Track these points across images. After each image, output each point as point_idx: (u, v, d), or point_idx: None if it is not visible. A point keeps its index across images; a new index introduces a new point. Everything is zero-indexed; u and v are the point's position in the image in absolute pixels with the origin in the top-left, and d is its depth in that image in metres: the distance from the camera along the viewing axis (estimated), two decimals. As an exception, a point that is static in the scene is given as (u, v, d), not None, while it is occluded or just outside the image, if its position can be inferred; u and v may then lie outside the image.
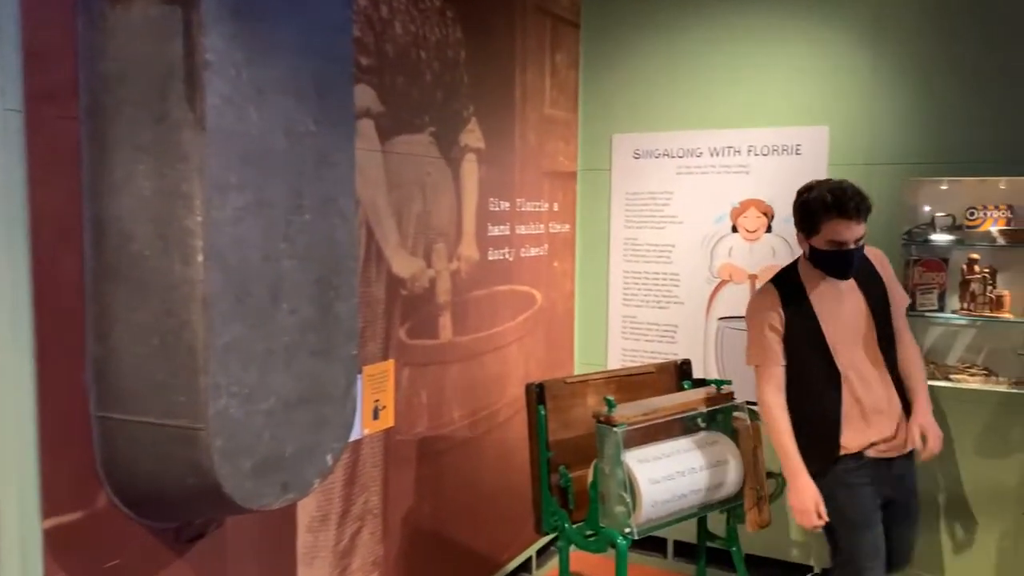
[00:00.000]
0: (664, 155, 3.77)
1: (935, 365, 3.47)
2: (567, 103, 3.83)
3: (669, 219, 3.78)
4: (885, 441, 2.55)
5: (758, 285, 3.58)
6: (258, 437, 1.75)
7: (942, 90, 3.22)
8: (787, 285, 2.62)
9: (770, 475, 2.84)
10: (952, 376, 3.37)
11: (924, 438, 2.55)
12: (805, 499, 2.51)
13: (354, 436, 2.47)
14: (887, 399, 2.57)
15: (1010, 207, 3.39)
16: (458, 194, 3.00)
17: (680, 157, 3.73)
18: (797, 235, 2.64)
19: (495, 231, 3.25)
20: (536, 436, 2.66)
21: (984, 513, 3.22)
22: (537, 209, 3.59)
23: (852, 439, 2.54)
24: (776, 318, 2.58)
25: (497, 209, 3.27)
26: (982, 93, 3.15)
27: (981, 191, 3.47)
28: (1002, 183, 3.40)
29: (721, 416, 2.85)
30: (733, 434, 2.84)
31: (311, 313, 1.85)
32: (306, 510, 2.35)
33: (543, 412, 2.66)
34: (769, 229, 3.57)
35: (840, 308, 2.56)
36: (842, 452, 2.54)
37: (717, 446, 2.79)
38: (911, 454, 2.61)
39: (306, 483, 1.91)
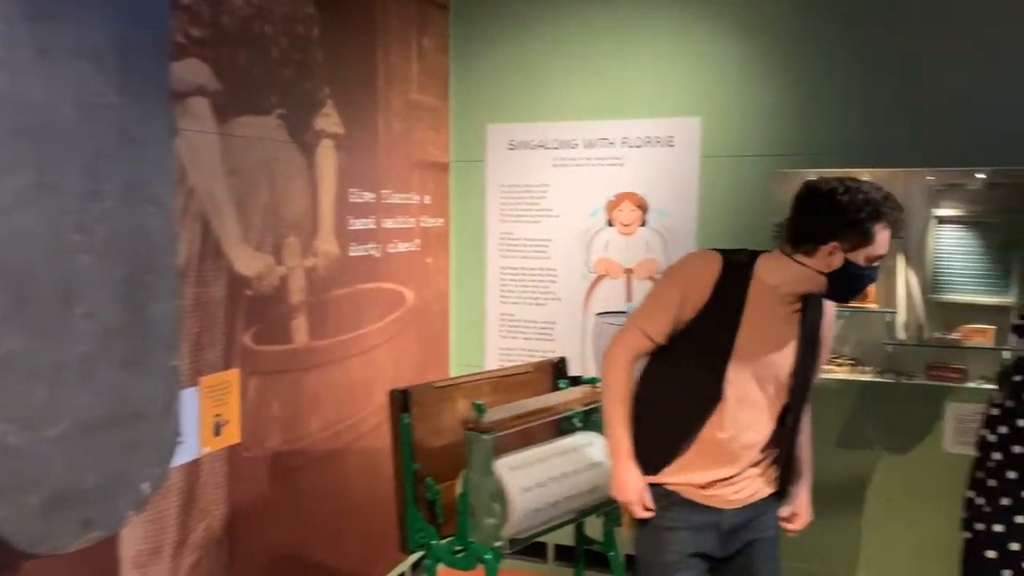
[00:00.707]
0: (540, 146, 3.63)
1: (805, 356, 3.50)
2: (437, 89, 3.63)
3: (545, 213, 3.65)
4: (730, 485, 1.99)
5: (635, 281, 3.51)
6: (47, 468, 1.46)
7: (810, 83, 3.22)
8: (734, 271, 1.93)
9: (647, 475, 2.74)
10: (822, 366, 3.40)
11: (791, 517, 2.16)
12: (627, 489, 1.98)
13: (190, 456, 2.19)
14: (762, 456, 2.02)
15: (873, 199, 3.45)
16: (313, 183, 2.75)
17: (555, 148, 3.61)
18: (795, 243, 1.89)
19: (358, 224, 3.01)
20: (400, 447, 2.45)
21: (851, 500, 3.25)
22: (406, 201, 3.38)
23: (682, 472, 1.98)
24: (697, 296, 1.92)
25: (360, 200, 3.03)
26: (847, 87, 3.17)
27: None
28: (866, 175, 3.45)
29: (597, 416, 2.73)
30: (609, 434, 2.72)
31: (116, 317, 1.58)
32: (131, 543, 2.04)
33: (407, 420, 2.45)
34: (644, 223, 3.50)
35: (768, 337, 1.92)
36: (661, 481, 2.00)
37: (593, 447, 2.66)
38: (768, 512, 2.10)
39: (116, 517, 1.63)
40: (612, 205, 3.54)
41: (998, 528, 2.63)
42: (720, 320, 1.92)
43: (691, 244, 3.42)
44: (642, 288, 3.50)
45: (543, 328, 3.70)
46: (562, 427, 2.78)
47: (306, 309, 2.72)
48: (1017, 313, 2.67)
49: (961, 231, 3.30)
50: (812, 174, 3.53)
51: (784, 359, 1.95)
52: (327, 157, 2.82)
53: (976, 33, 3.00)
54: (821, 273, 1.85)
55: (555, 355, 3.12)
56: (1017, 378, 2.64)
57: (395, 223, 3.28)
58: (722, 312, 1.91)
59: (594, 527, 2.87)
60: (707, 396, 1.93)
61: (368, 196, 3.08)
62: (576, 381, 2.92)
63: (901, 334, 3.41)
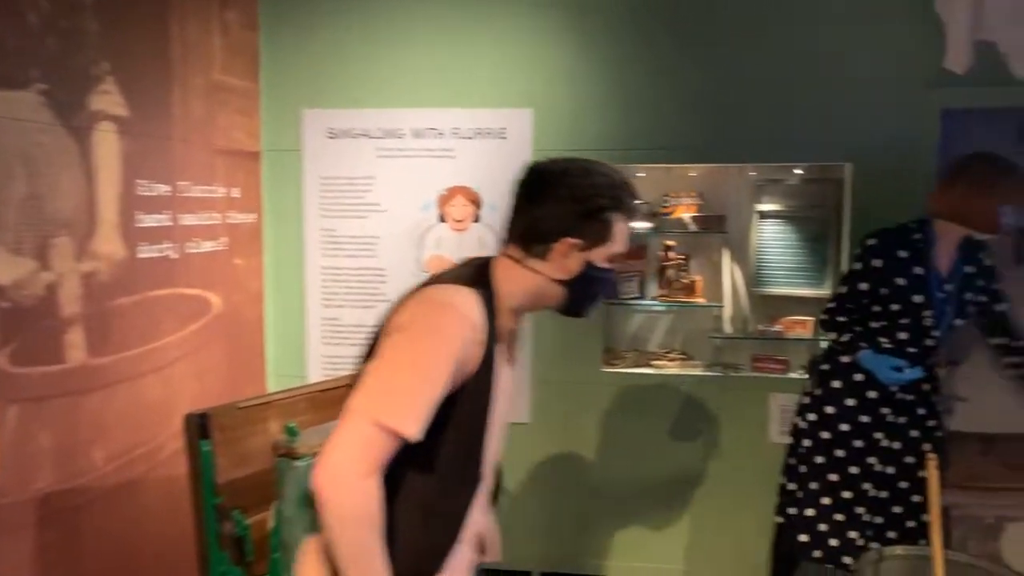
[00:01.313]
0: (363, 135, 3.36)
1: (639, 352, 3.47)
2: (245, 69, 3.25)
3: (371, 207, 3.38)
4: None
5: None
6: None
7: (640, 78, 3.18)
8: (487, 305, 1.42)
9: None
10: (653, 363, 3.39)
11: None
12: None
13: (-81, 512, 1.75)
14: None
15: (700, 194, 3.48)
16: (89, 173, 2.33)
17: (380, 138, 3.35)
18: (525, 244, 1.47)
19: (149, 221, 2.61)
20: (198, 479, 2.11)
21: (679, 494, 3.26)
22: (210, 195, 2.99)
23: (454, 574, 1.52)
24: (470, 358, 1.37)
25: (151, 194, 2.62)
26: (676, 83, 3.16)
27: (674, 178, 3.54)
28: (692, 171, 3.48)
29: (428, 429, 2.51)
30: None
31: None
32: None
33: (207, 448, 2.12)
34: (477, 219, 3.32)
35: (502, 383, 1.50)
36: None
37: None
38: None
39: None
40: (444, 199, 3.34)
41: (809, 512, 2.70)
42: (480, 383, 1.39)
43: (525, 240, 3.28)
44: (475, 287, 3.32)
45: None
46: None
47: (83, 321, 2.30)
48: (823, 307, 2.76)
49: (781, 225, 3.40)
50: (644, 169, 3.54)
51: (508, 396, 1.56)
52: (107, 143, 2.40)
53: (795, 33, 3.08)
54: (556, 282, 1.46)
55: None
56: (824, 367, 2.72)
57: (196, 219, 2.89)
58: (484, 370, 1.39)
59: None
60: (469, 482, 1.47)
61: (162, 189, 2.68)
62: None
63: (728, 327, 3.46)
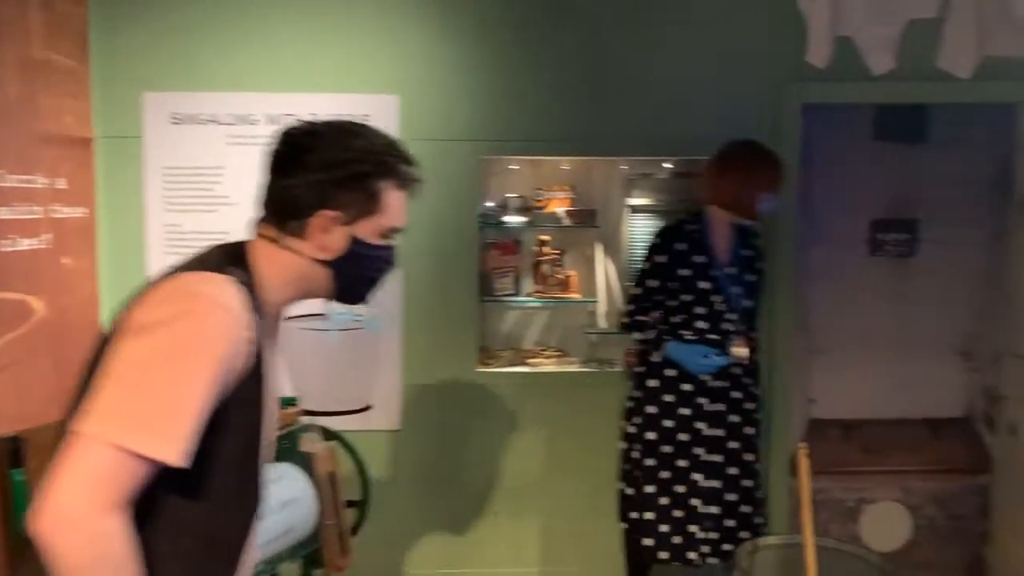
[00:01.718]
0: (211, 121, 3.06)
1: (514, 351, 3.37)
2: (72, 47, 2.88)
3: (222, 200, 3.09)
4: None
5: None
6: None
7: (513, 65, 3.07)
8: (253, 303, 1.18)
9: (350, 504, 2.38)
10: (529, 361, 3.30)
11: None
12: None
13: None
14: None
15: (572, 188, 3.42)
16: None
17: (231, 124, 3.06)
18: (279, 220, 1.25)
19: (-52, 215, 2.24)
20: (8, 512, 1.81)
21: (562, 492, 3.19)
22: (29, 185, 2.62)
23: None
24: (237, 358, 1.13)
25: (-50, 184, 2.25)
26: (548, 73, 3.07)
27: (548, 172, 3.46)
28: (564, 163, 3.41)
29: (287, 442, 2.30)
30: (304, 462, 2.31)
31: None
32: None
33: (20, 477, 1.82)
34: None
35: (272, 384, 1.26)
36: None
37: (285, 482, 2.23)
38: None
39: None
40: (303, 192, 3.09)
41: (649, 515, 2.72)
42: (250, 389, 1.17)
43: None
44: (340, 286, 3.11)
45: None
46: (246, 458, 2.30)
47: None
48: (625, 310, 2.81)
49: (652, 220, 3.38)
50: (517, 161, 3.44)
51: (277, 402, 1.35)
52: None
53: (664, 28, 3.06)
54: (320, 263, 1.25)
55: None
56: (639, 368, 2.76)
57: (12, 213, 2.52)
58: (253, 375, 1.17)
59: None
60: (248, 504, 1.24)
61: (-35, 177, 2.31)
62: (263, 401, 2.46)
63: (603, 323, 3.42)
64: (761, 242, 2.80)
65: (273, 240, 1.24)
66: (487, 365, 3.25)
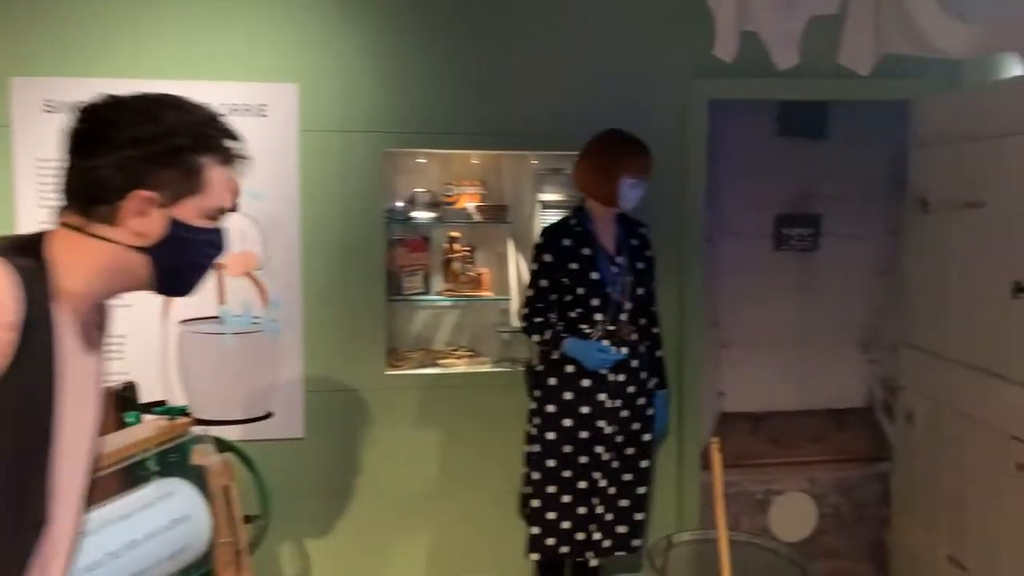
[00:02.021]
0: (90, 110, 2.82)
1: (425, 352, 3.26)
2: (-76, 24, 2.60)
3: (104, 195, 2.85)
4: None
5: (228, 278, 2.92)
6: None
7: (419, 57, 2.96)
8: (32, 285, 1.02)
9: (248, 519, 2.22)
10: (440, 361, 3.19)
11: None
12: None
13: None
14: None
15: (482, 182, 3.33)
16: None
17: (112, 113, 2.83)
18: (84, 205, 1.08)
19: None
20: None
21: (475, 495, 3.10)
22: None
23: None
24: (21, 352, 0.99)
25: None
26: (456, 64, 2.98)
27: (457, 166, 3.36)
28: (474, 158, 3.32)
29: (177, 455, 2.12)
30: (196, 476, 2.13)
31: None
32: None
33: None
34: (234, 208, 2.91)
35: (75, 384, 1.09)
36: None
37: (174, 499, 2.05)
38: None
39: None
40: (194, 187, 2.89)
41: (551, 515, 2.70)
42: (15, 383, 0.99)
43: (295, 232, 2.95)
44: (238, 286, 2.92)
45: (109, 343, 2.91)
46: (133, 478, 2.10)
47: None
48: (520, 313, 2.80)
49: (564, 215, 3.32)
50: (424, 155, 3.33)
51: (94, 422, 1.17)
52: None
53: (572, 21, 3.02)
54: (137, 250, 1.10)
55: (122, 379, 2.41)
56: (539, 368, 2.75)
57: None
58: (22, 367, 1.00)
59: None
60: (23, 528, 1.05)
61: None
62: (148, 410, 2.27)
63: (515, 321, 3.34)
64: (646, 231, 2.81)
65: (78, 229, 1.08)
66: (396, 367, 3.12)
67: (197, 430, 2.31)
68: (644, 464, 2.80)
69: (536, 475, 2.71)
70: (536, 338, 2.73)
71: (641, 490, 2.80)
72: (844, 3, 2.67)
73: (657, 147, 2.98)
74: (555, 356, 2.69)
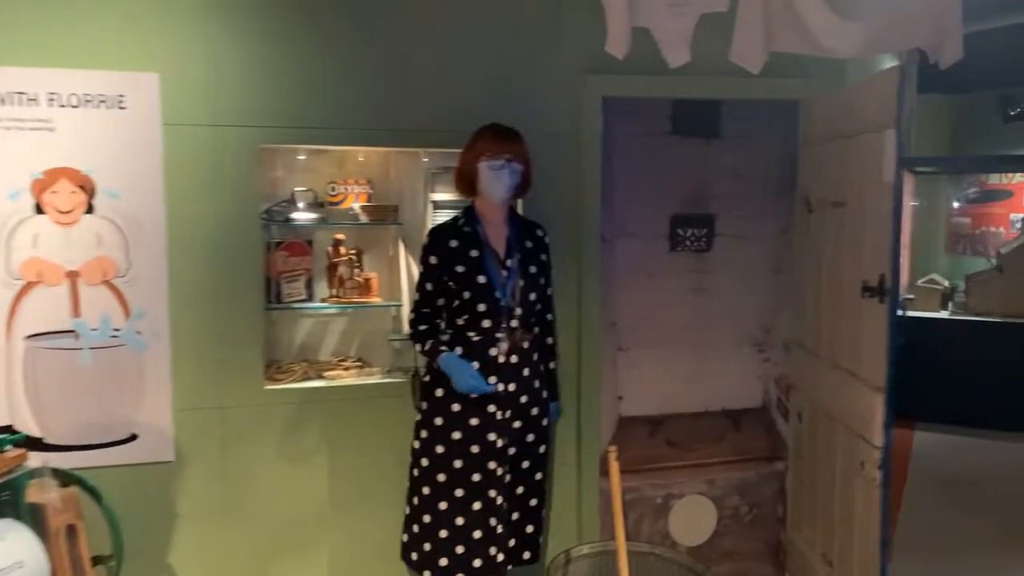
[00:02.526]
0: (-85, 98, 2.49)
1: (308, 363, 3.04)
2: None
3: (-67, 195, 2.53)
4: None
5: (84, 287, 2.63)
6: None
7: (296, 44, 2.75)
8: None
9: (96, 561, 1.97)
10: (326, 373, 2.99)
11: None
12: None
13: None
14: None
15: (370, 181, 3.14)
16: None
17: (-58, 102, 2.50)
18: None
19: None
20: None
21: (367, 514, 2.92)
22: None
23: None
24: None
25: None
26: (338, 54, 2.78)
27: (343, 164, 3.17)
28: (360, 155, 3.13)
29: (7, 493, 1.85)
30: (32, 515, 1.87)
31: None
32: None
33: None
34: (90, 209, 2.64)
35: None
36: None
37: (4, 543, 1.79)
38: None
39: None
40: (41, 185, 2.59)
41: (444, 534, 2.54)
42: None
43: (160, 235, 2.69)
44: (95, 296, 2.64)
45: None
46: (-48, 518, 1.83)
47: None
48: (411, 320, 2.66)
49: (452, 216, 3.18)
50: (305, 152, 3.11)
51: None
52: None
53: (462, 15, 2.87)
54: None
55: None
56: (426, 378, 2.61)
57: None
58: None
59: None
60: None
61: None
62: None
63: (407, 329, 3.17)
64: (543, 233, 2.68)
65: None
66: (277, 381, 2.90)
67: (41, 459, 2.05)
68: (539, 477, 2.69)
69: (426, 490, 2.55)
70: (418, 347, 2.58)
71: (533, 502, 2.68)
72: (734, 1, 2.65)
73: (551, 146, 2.89)
74: (437, 366, 2.54)
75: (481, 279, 2.51)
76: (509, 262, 2.56)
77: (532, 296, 2.60)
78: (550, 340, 2.74)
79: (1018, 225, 8.04)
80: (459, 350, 2.52)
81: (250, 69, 2.70)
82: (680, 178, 3.18)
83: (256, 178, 2.77)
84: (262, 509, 2.83)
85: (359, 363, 3.09)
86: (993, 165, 7.65)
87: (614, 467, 2.42)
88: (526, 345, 2.58)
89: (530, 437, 2.64)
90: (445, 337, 2.56)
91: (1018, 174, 8.19)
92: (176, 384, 2.72)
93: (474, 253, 2.53)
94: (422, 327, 2.57)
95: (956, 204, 8.02)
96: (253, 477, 2.82)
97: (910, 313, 6.34)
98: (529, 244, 2.63)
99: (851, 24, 2.66)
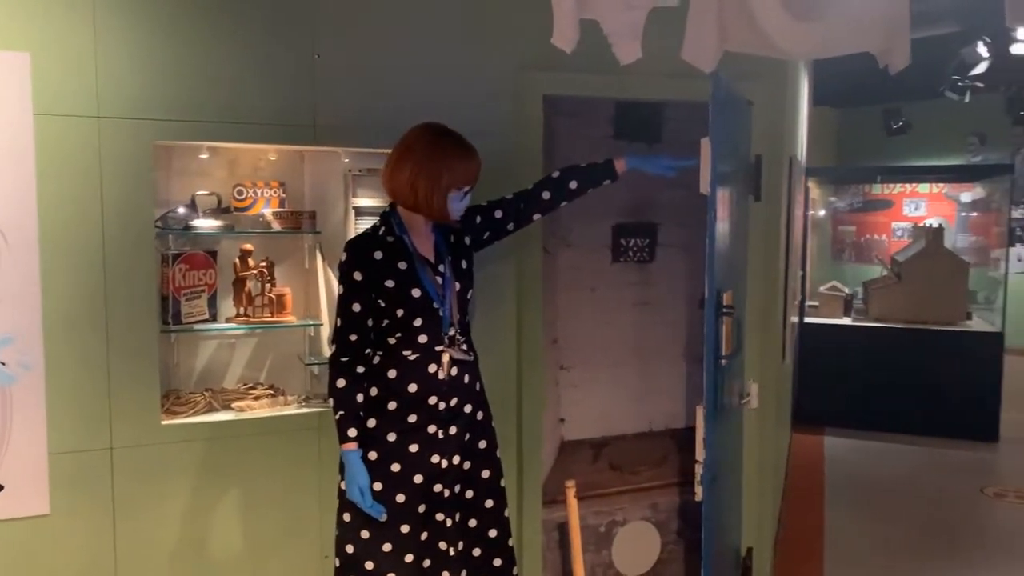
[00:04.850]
0: None
1: (212, 392, 2.65)
2: None
3: None
4: None
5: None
6: None
7: (199, 27, 2.38)
8: None
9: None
10: (234, 404, 2.61)
11: None
12: None
13: None
14: None
15: (283, 184, 2.79)
16: None
17: None
18: None
19: None
20: None
21: (284, 566, 2.57)
22: None
23: None
24: None
25: None
26: (247, 40, 2.44)
27: (252, 164, 2.80)
28: (272, 154, 2.77)
29: None
30: None
31: None
32: None
33: None
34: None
35: None
36: None
37: None
38: None
39: None
40: None
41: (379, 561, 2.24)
42: None
43: (31, 246, 2.26)
44: (-57, 320, 2.18)
45: None
46: None
47: None
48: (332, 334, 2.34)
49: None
50: (207, 150, 2.71)
51: None
52: None
53: (393, 8, 2.59)
54: None
55: None
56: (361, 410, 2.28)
57: None
58: None
59: None
60: None
61: None
62: None
63: (328, 350, 2.83)
64: (467, 238, 2.37)
65: None
66: (176, 414, 2.51)
67: None
68: (490, 504, 2.40)
69: (365, 534, 2.22)
70: (341, 383, 2.21)
71: (493, 533, 2.39)
72: (686, -3, 2.49)
73: (488, 147, 2.61)
74: (373, 393, 2.23)
75: (416, 292, 2.23)
76: (442, 267, 2.28)
77: (469, 296, 2.34)
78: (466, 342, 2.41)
79: (899, 233, 8.45)
80: (374, 437, 2.22)
81: (144, 51, 2.32)
82: (623, 186, 2.98)
83: (150, 180, 2.38)
84: (163, 566, 2.43)
85: (271, 391, 2.72)
86: (875, 176, 7.99)
87: (573, 504, 2.19)
88: (467, 357, 2.30)
89: (482, 444, 2.36)
90: (379, 355, 2.24)
91: (899, 185, 8.62)
92: (52, 423, 2.29)
93: (403, 265, 2.24)
94: (344, 359, 2.22)
95: (841, 211, 8.34)
96: (151, 528, 2.41)
97: (815, 320, 6.48)
98: (453, 238, 2.35)
99: (805, 25, 2.56)
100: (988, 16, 5.53)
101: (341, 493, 2.27)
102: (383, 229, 2.28)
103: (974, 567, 3.73)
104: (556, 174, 2.45)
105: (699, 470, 2.35)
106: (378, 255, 2.23)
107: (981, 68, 6.33)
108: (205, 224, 2.65)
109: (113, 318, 2.35)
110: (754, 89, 2.91)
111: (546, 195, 2.43)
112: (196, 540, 2.48)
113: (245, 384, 2.75)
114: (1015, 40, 5.80)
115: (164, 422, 2.44)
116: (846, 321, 6.47)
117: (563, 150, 2.86)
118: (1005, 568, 3.73)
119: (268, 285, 2.75)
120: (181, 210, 2.65)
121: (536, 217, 2.47)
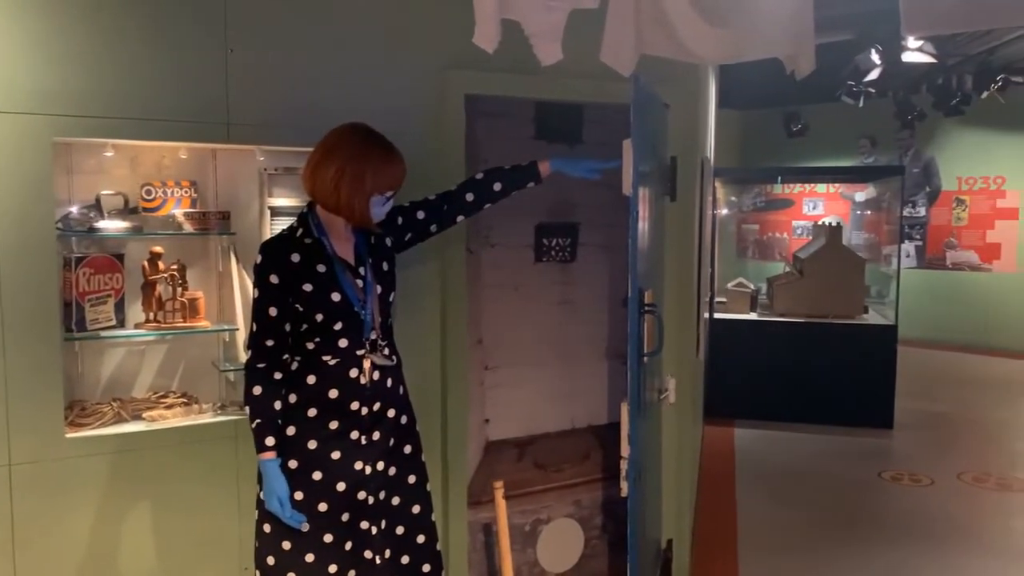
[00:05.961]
0: None
1: (121, 402, 2.52)
2: None
3: None
4: None
5: None
6: None
7: (103, 17, 2.25)
8: None
9: None
10: (145, 414, 2.49)
11: None
12: None
13: None
14: None
15: (194, 183, 2.67)
16: None
17: None
18: None
19: None
20: None
21: (203, 572, 2.47)
22: None
23: None
24: None
25: None
26: (156, 32, 2.32)
27: (161, 162, 2.67)
28: (183, 151, 2.65)
29: None
30: None
31: None
32: None
33: None
34: None
35: None
36: None
37: None
38: None
39: None
40: None
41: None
42: None
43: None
44: None
45: None
46: None
47: None
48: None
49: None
50: (112, 147, 2.58)
51: None
52: None
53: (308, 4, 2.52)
54: None
55: None
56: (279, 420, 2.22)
57: None
58: None
59: None
60: None
61: None
62: None
63: (244, 355, 2.73)
64: (388, 239, 2.33)
65: None
66: (81, 427, 2.37)
67: None
68: (416, 509, 2.37)
69: (287, 544, 2.15)
70: (258, 390, 2.14)
71: (421, 539, 2.36)
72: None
73: (409, 147, 2.58)
74: (292, 400, 2.17)
75: (335, 296, 2.17)
76: (362, 270, 2.23)
77: (391, 298, 2.29)
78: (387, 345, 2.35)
79: (799, 231, 8.84)
80: (294, 445, 2.16)
81: (43, 41, 2.18)
82: (545, 185, 3.00)
83: (49, 179, 2.24)
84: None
85: (184, 399, 2.61)
86: (777, 177, 8.34)
87: (501, 504, 2.19)
88: (387, 351, 2.26)
89: (407, 449, 2.32)
90: (297, 360, 2.18)
91: (799, 185, 9.02)
92: (-60, 441, 2.13)
93: (321, 268, 2.17)
94: (260, 365, 2.15)
95: (745, 210, 8.67)
96: (55, 547, 2.27)
97: (724, 316, 6.70)
98: (374, 239, 2.29)
99: (717, 31, 2.63)
100: (881, 25, 5.86)
101: (260, 503, 2.20)
102: (301, 231, 2.20)
103: (873, 544, 3.94)
104: (480, 175, 2.44)
105: (624, 466, 2.39)
106: (295, 258, 2.16)
107: (874, 74, 6.68)
108: (111, 225, 2.51)
109: (10, 326, 2.20)
110: (669, 92, 2.97)
111: (470, 197, 2.42)
112: (105, 557, 2.35)
113: (156, 393, 2.62)
114: (905, 48, 6.15)
115: (68, 435, 2.31)
116: (752, 316, 6.71)
117: (485, 151, 2.85)
118: (902, 544, 3.96)
119: (180, 289, 2.63)
120: (81, 210, 2.50)
121: (460, 219, 2.45)
